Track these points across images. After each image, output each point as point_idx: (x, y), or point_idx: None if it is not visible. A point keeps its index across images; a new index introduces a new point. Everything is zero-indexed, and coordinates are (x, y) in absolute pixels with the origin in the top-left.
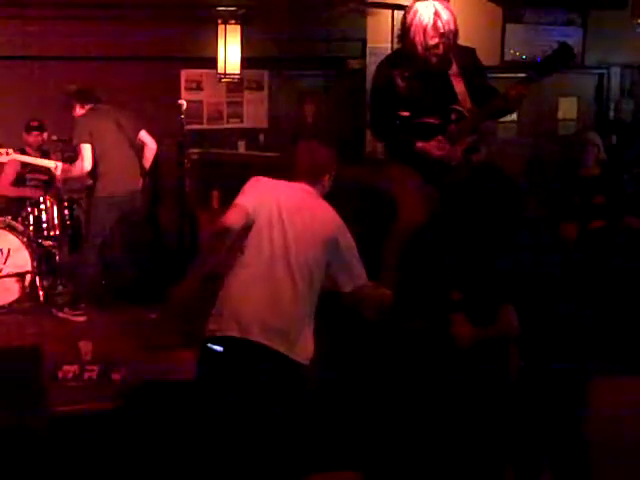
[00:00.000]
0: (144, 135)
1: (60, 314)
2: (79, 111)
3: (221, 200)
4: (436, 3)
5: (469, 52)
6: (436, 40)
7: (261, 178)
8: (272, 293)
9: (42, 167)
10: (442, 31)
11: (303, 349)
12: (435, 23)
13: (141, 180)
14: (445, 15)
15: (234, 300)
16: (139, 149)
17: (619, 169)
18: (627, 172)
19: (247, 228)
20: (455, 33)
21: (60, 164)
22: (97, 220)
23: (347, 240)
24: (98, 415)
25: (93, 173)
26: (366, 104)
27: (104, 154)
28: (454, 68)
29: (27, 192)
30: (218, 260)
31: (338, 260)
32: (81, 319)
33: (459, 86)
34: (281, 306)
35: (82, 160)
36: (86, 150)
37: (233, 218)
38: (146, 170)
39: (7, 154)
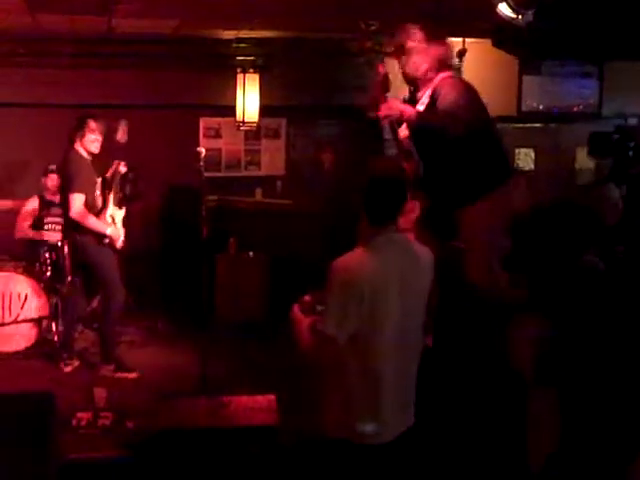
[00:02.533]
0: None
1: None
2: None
3: (238, 246)
4: None
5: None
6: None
7: (343, 268)
8: (402, 376)
9: (60, 212)
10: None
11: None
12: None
13: None
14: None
15: (363, 399)
16: None
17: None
18: None
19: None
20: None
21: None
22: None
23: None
24: (111, 463)
25: None
26: (383, 153)
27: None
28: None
29: (45, 235)
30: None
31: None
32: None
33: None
34: (408, 382)
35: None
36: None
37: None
38: None
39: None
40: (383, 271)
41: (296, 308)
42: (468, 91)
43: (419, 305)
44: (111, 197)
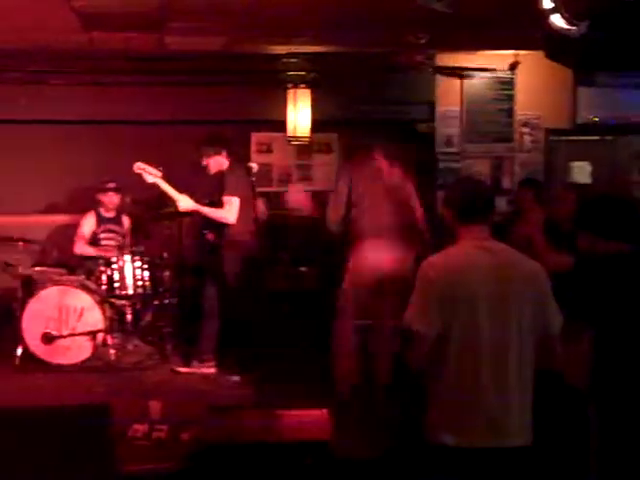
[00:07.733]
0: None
1: (184, 369)
2: (212, 161)
3: (289, 260)
4: None
5: None
6: None
7: (426, 266)
8: (497, 385)
9: (115, 228)
10: None
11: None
12: None
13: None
14: None
15: (462, 405)
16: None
17: None
18: None
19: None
20: None
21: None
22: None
23: (547, 281)
24: (167, 475)
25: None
26: (435, 167)
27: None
28: None
29: (101, 251)
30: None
31: (544, 302)
32: (212, 370)
33: None
34: (508, 394)
35: (228, 211)
36: (235, 203)
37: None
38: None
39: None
40: (466, 275)
41: None
42: None
43: (519, 315)
44: None
